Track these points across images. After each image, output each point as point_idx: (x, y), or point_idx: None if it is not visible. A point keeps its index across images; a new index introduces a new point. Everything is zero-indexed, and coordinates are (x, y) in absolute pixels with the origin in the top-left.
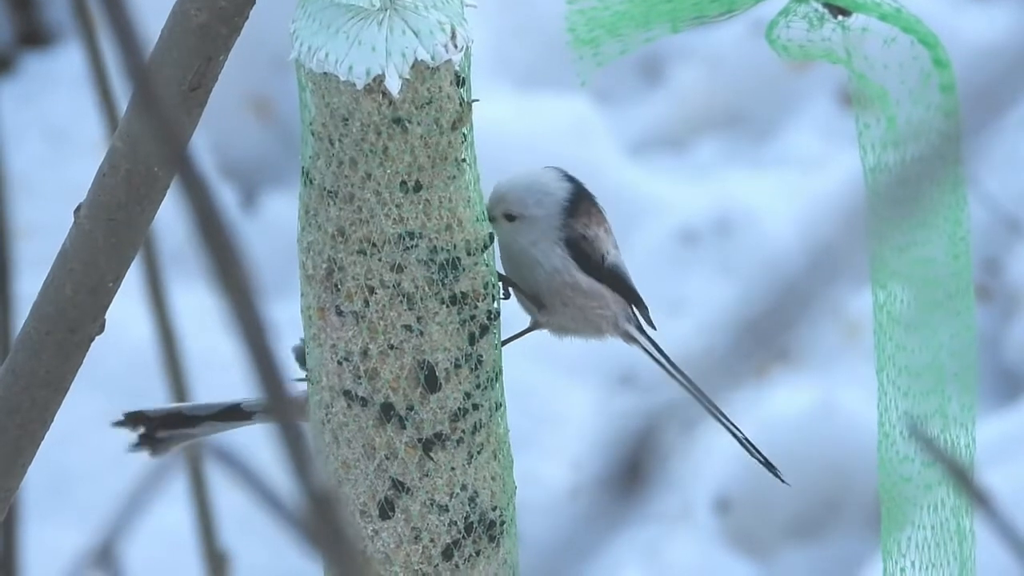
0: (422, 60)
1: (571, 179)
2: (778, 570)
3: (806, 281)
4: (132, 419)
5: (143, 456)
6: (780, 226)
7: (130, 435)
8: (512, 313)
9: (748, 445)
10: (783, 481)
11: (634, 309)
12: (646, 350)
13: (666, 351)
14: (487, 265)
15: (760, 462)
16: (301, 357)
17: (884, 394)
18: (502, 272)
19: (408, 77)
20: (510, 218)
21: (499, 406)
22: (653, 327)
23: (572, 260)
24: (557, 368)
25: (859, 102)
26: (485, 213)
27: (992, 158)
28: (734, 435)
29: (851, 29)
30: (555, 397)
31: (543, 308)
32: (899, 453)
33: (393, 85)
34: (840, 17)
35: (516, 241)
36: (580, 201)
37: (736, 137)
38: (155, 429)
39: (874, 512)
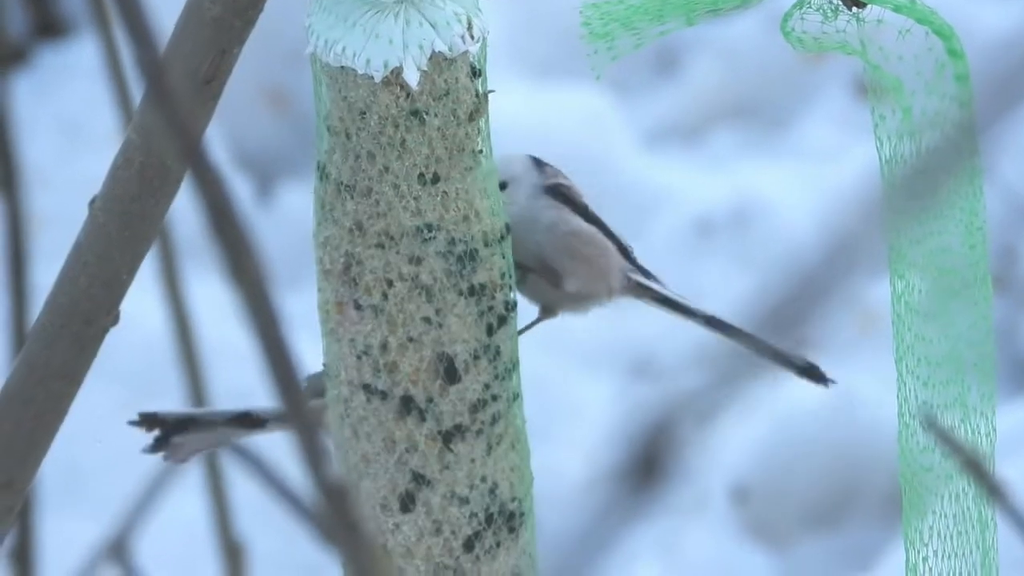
0: (439, 52)
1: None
2: (795, 560)
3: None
4: (147, 421)
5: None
6: (796, 217)
7: (145, 436)
8: (524, 304)
9: (788, 359)
10: (830, 380)
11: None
12: (660, 295)
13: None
14: (504, 256)
15: (801, 369)
16: (314, 388)
17: (903, 384)
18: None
19: (426, 69)
20: (502, 187)
21: (516, 396)
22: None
23: (563, 205)
24: (572, 359)
25: (874, 94)
26: (501, 204)
27: (1009, 148)
28: (774, 355)
29: (866, 21)
30: (570, 388)
31: (559, 277)
32: (919, 443)
33: (411, 77)
34: (855, 9)
35: (510, 209)
36: (540, 162)
37: (751, 128)
38: (170, 433)
39: (891, 502)
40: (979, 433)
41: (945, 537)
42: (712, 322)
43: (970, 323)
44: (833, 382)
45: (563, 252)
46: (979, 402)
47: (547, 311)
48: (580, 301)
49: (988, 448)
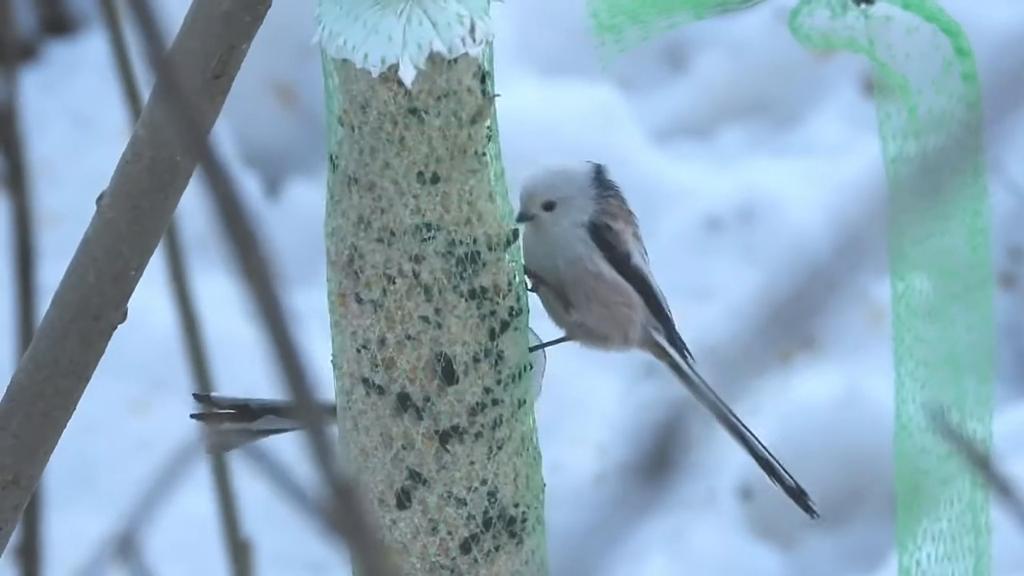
0: (438, 51)
1: (592, 164)
2: (802, 558)
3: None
4: (201, 400)
5: (162, 441)
6: (804, 213)
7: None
8: (534, 306)
9: (772, 469)
10: (814, 513)
11: (664, 324)
12: (676, 366)
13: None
14: (512, 262)
15: (785, 488)
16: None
17: (902, 386)
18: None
19: (424, 68)
20: (548, 207)
21: (523, 403)
22: (688, 354)
23: (596, 247)
24: (583, 357)
25: (881, 91)
26: (511, 208)
27: (1015, 146)
28: (758, 458)
29: (874, 18)
30: (581, 385)
31: (570, 305)
32: (916, 446)
33: (407, 75)
34: (863, 6)
35: (551, 229)
36: (608, 186)
37: (760, 125)
38: (222, 420)
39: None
40: (976, 437)
41: (939, 541)
42: (719, 415)
43: (971, 325)
44: (818, 515)
45: (579, 288)
46: (976, 407)
47: (567, 334)
48: (594, 339)
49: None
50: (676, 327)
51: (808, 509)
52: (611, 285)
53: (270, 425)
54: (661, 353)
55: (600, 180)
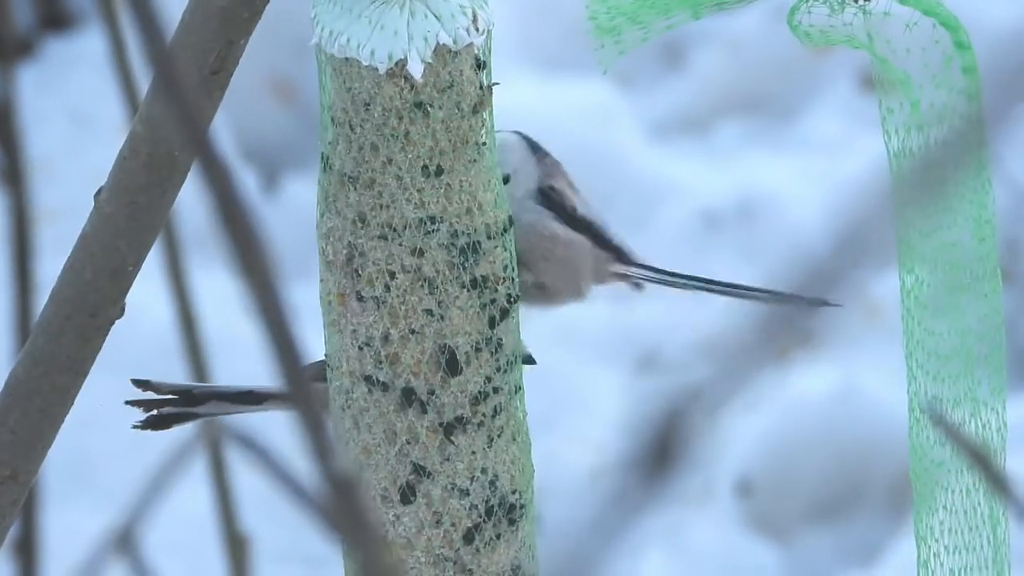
0: (444, 44)
1: (515, 132)
2: (799, 553)
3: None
4: (140, 386)
5: (160, 436)
6: (802, 210)
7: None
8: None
9: (780, 296)
10: (835, 304)
11: (614, 252)
12: (635, 281)
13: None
14: (506, 249)
15: (804, 301)
16: None
17: (914, 379)
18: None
19: (430, 61)
20: (504, 181)
21: (518, 389)
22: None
23: (546, 210)
24: (579, 350)
25: (882, 87)
26: (504, 196)
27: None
28: (762, 295)
29: (872, 13)
30: (577, 379)
31: (525, 269)
32: (930, 438)
33: (416, 69)
34: (861, 1)
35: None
36: (536, 147)
37: (758, 121)
38: (161, 404)
39: (896, 495)
40: (990, 428)
41: (956, 532)
42: (708, 286)
43: (980, 317)
44: (839, 304)
45: (537, 252)
46: (989, 396)
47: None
48: (548, 296)
49: (999, 443)
50: (628, 250)
51: (828, 303)
52: (566, 242)
53: (216, 410)
54: (617, 277)
55: (530, 144)
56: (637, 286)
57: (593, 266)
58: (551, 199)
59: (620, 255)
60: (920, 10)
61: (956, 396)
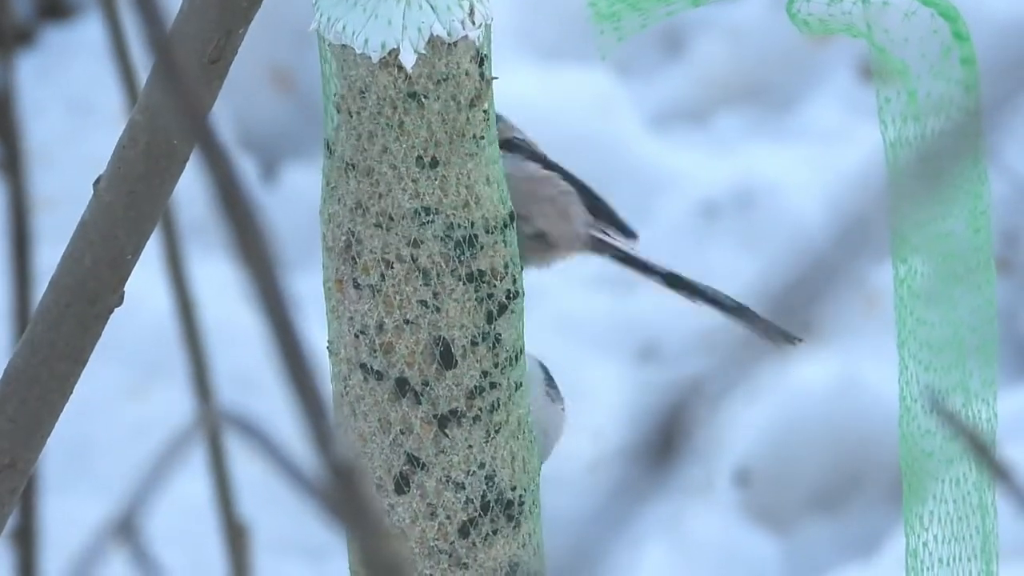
0: (438, 35)
1: None
2: (798, 543)
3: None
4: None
5: (159, 424)
6: (802, 199)
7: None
8: (533, 290)
9: (746, 315)
10: (797, 340)
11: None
12: (620, 252)
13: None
14: (507, 245)
15: (766, 329)
16: None
17: (905, 368)
18: None
19: (424, 52)
20: None
21: (519, 385)
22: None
23: (514, 154)
24: (579, 341)
25: (879, 76)
26: (506, 191)
27: (1013, 133)
28: (729, 310)
29: (871, 2)
30: (577, 371)
31: (520, 219)
32: (920, 427)
33: (408, 59)
34: None
35: None
36: (499, 118)
37: (758, 110)
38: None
39: (896, 486)
40: (980, 419)
41: (945, 522)
42: (671, 280)
43: (973, 308)
44: (799, 340)
45: (518, 198)
46: (981, 388)
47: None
48: (549, 247)
49: (989, 434)
50: (616, 213)
51: (790, 338)
52: (545, 178)
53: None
54: (603, 246)
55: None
56: (616, 259)
57: (581, 211)
58: (520, 148)
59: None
60: (919, 0)
61: (947, 387)
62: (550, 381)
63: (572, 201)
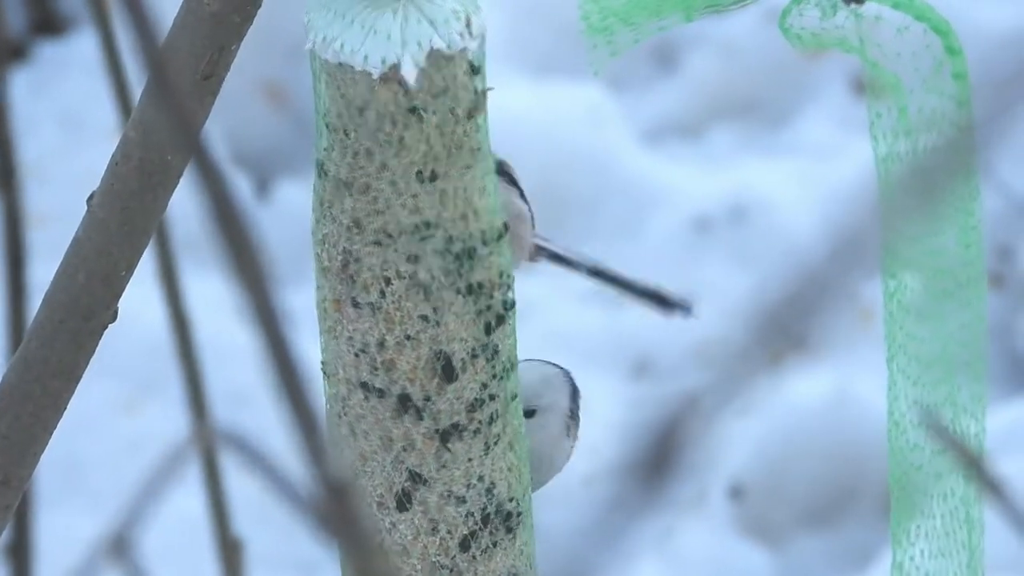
0: (438, 49)
1: None
2: (791, 558)
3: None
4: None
5: (154, 440)
6: (795, 214)
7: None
8: (526, 305)
9: (660, 298)
10: (688, 309)
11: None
12: (551, 252)
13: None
14: (501, 255)
15: (673, 306)
16: None
17: (894, 383)
18: None
19: (424, 66)
20: None
21: (514, 396)
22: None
23: (511, 188)
24: (572, 357)
25: (872, 91)
26: (499, 202)
27: (1007, 146)
28: (645, 294)
29: (864, 17)
30: None
31: None
32: (909, 442)
33: (409, 74)
34: (853, 5)
35: None
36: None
37: (750, 125)
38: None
39: (888, 500)
40: (968, 434)
41: (932, 537)
42: (595, 272)
43: (963, 323)
44: (692, 315)
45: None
46: (970, 403)
47: None
48: None
49: (978, 449)
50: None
51: (686, 308)
52: (520, 216)
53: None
54: (541, 252)
55: None
56: (550, 259)
57: (530, 232)
58: (507, 174)
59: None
60: (911, 15)
61: (936, 401)
62: (574, 411)
63: (523, 222)
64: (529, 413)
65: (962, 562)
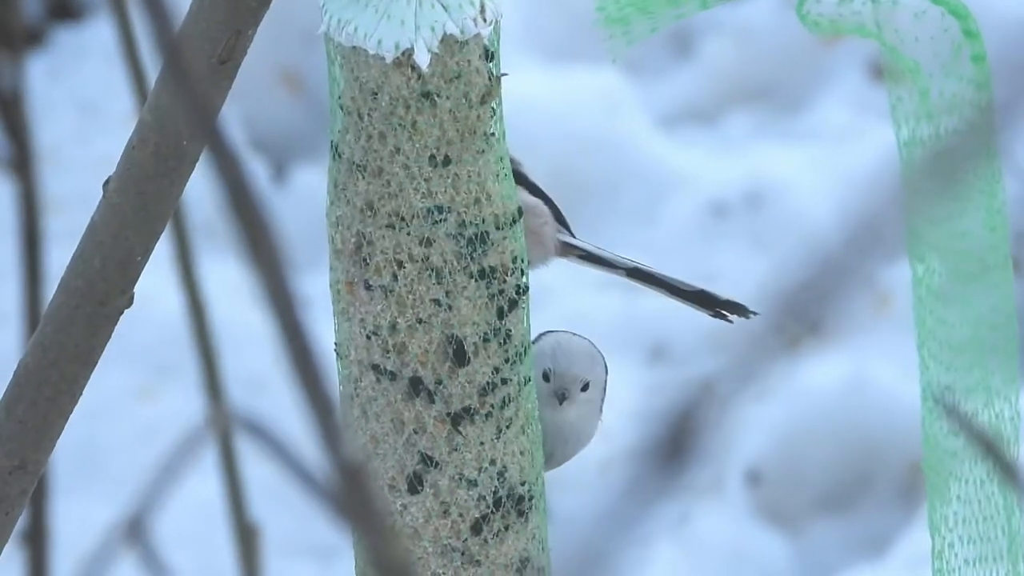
0: (451, 34)
1: None
2: (808, 543)
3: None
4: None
5: (169, 426)
6: (811, 199)
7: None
8: (542, 290)
9: (706, 299)
10: (752, 313)
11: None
12: (584, 251)
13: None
14: (516, 240)
15: (726, 308)
16: None
17: (926, 368)
18: None
19: (437, 51)
20: None
21: (527, 381)
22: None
23: (518, 186)
24: None
25: (891, 76)
26: (513, 187)
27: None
28: (689, 296)
29: (881, 2)
30: None
31: None
32: (943, 428)
33: (422, 59)
34: None
35: None
36: None
37: (767, 110)
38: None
39: (906, 486)
40: (1003, 417)
41: (970, 522)
42: (634, 273)
43: (991, 306)
44: (755, 313)
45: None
46: (1002, 386)
47: None
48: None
49: (1012, 432)
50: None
51: (746, 311)
52: (534, 211)
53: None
54: (569, 249)
55: None
56: (582, 259)
57: (553, 230)
58: (517, 171)
59: (562, 223)
60: None
61: (969, 386)
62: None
63: (546, 223)
64: (585, 386)
65: (1002, 547)
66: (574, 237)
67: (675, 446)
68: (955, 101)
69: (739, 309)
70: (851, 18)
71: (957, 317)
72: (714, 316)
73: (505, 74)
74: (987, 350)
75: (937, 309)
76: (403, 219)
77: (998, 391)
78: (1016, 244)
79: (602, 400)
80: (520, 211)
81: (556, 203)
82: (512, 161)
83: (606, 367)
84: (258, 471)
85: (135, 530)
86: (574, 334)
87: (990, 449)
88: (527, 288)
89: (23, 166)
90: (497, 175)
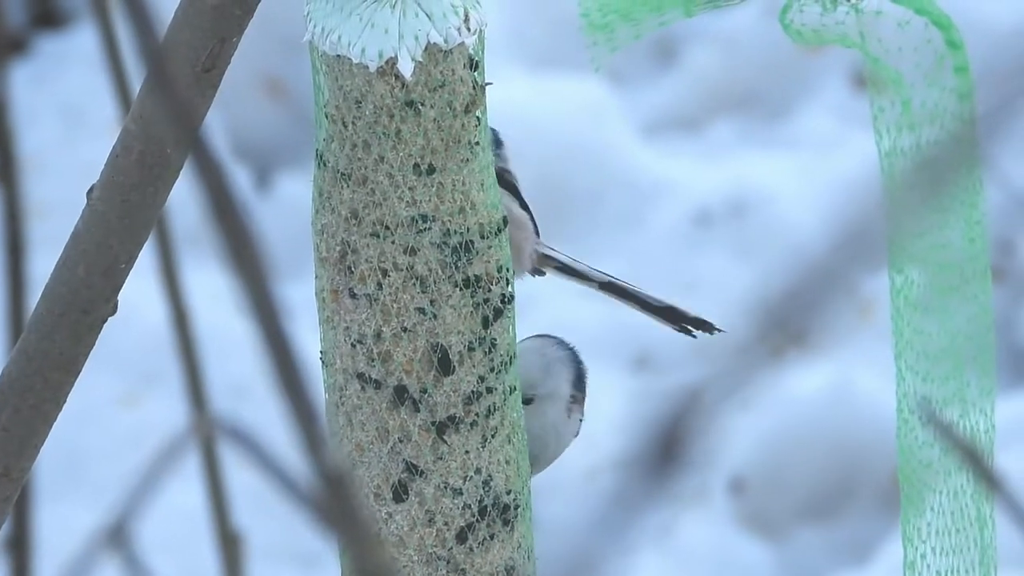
0: (435, 43)
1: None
2: (792, 551)
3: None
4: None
5: (153, 433)
6: (795, 208)
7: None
8: (527, 298)
9: (675, 314)
10: (717, 329)
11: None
12: (560, 263)
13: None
14: (501, 249)
15: (691, 324)
16: None
17: (903, 379)
18: None
19: (421, 60)
20: None
21: (513, 390)
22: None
23: (506, 192)
24: None
25: (874, 86)
26: (498, 196)
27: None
28: (658, 312)
29: (865, 12)
30: None
31: None
32: (918, 439)
33: (406, 68)
34: (853, 0)
35: None
36: (499, 144)
37: (750, 119)
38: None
39: (889, 494)
40: (978, 429)
41: (943, 534)
42: (607, 287)
43: (969, 318)
44: (721, 331)
45: None
46: (978, 398)
47: None
48: None
49: (988, 444)
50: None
51: (712, 328)
52: (518, 223)
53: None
54: (545, 260)
55: (495, 136)
56: (558, 270)
57: (532, 241)
58: (506, 181)
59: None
60: (912, 9)
61: (945, 397)
62: (576, 395)
63: (527, 237)
64: (527, 401)
65: (974, 559)
66: (550, 248)
67: (659, 454)
68: (937, 112)
69: (705, 326)
70: (834, 28)
71: (935, 328)
72: (679, 331)
73: (490, 83)
74: (964, 361)
75: (915, 320)
76: (388, 228)
77: (974, 403)
78: (1002, 253)
79: (571, 407)
80: (505, 220)
81: (533, 212)
82: (507, 172)
83: (579, 373)
84: (242, 478)
85: (118, 537)
86: (551, 338)
87: (971, 458)
88: (512, 297)
89: (7, 173)
90: (482, 184)
